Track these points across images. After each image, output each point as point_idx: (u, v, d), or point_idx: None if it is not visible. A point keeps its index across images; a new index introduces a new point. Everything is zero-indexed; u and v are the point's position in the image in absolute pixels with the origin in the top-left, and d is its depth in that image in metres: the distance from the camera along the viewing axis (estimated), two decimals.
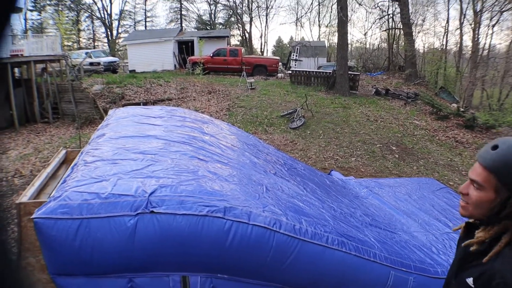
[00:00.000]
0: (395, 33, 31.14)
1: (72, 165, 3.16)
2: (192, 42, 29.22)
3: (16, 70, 18.94)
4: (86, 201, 2.29)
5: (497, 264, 1.48)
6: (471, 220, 1.74)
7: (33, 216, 2.23)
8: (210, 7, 55.80)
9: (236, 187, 2.83)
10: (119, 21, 55.38)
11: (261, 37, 55.39)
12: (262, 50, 53.07)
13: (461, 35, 30.86)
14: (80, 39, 54.01)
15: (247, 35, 51.74)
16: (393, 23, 30.74)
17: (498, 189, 1.50)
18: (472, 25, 28.23)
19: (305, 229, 2.71)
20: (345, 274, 2.89)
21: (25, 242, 2.83)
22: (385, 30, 32.75)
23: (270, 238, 2.48)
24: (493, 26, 29.88)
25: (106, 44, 53.47)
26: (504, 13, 28.13)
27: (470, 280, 1.58)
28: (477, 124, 15.43)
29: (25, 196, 3.10)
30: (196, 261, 2.42)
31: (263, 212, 2.58)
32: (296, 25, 47.08)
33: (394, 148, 11.77)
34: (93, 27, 56.13)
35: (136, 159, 2.93)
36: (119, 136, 3.59)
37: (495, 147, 1.52)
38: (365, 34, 46.30)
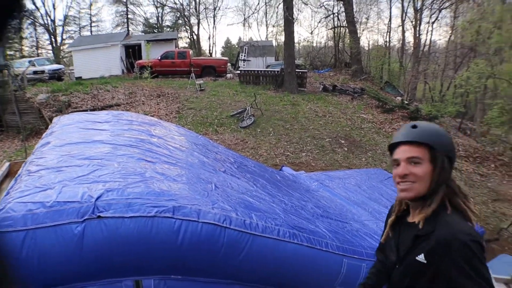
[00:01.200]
0: (340, 31, 31.90)
1: (15, 176, 3.07)
2: (140, 46, 28.74)
3: None
4: (31, 211, 2.21)
5: (445, 230, 1.58)
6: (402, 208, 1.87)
7: None
8: (157, 10, 54.97)
9: (184, 186, 2.82)
10: (63, 27, 53.37)
11: (209, 38, 55.34)
12: (211, 52, 52.90)
13: (403, 32, 31.93)
14: (23, 47, 51.82)
15: (195, 37, 51.43)
16: (338, 21, 31.46)
17: (432, 158, 1.65)
18: (413, 22, 29.22)
19: (256, 223, 2.73)
20: (299, 266, 2.94)
21: None
22: (330, 29, 33.53)
23: (220, 234, 2.48)
24: (433, 23, 31.14)
25: (51, 52, 51.49)
26: (442, 10, 29.37)
27: (421, 257, 1.65)
28: (421, 115, 16.03)
29: None
30: (148, 263, 2.37)
31: (212, 209, 2.58)
32: (244, 25, 47.17)
33: (343, 141, 12.02)
34: (36, 34, 53.76)
35: (82, 165, 2.87)
36: (64, 143, 3.50)
37: (414, 126, 1.70)
38: (311, 33, 47.16)
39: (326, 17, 32.00)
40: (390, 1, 34.71)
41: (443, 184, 1.67)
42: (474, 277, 1.51)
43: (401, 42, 32.70)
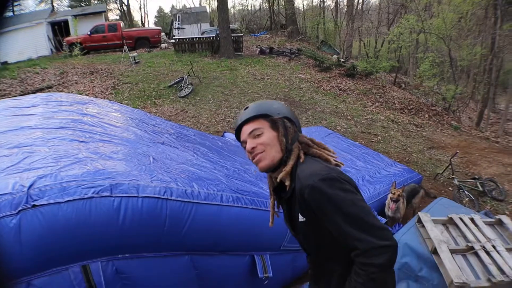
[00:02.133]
0: None
1: None
2: (67, 22, 27.32)
3: None
4: None
5: (298, 181, 1.63)
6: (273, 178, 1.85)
7: None
8: None
9: (121, 163, 2.76)
10: None
11: (140, 8, 53.47)
12: (143, 22, 51.14)
13: None
14: None
15: (125, 8, 49.52)
16: None
17: (272, 124, 1.74)
18: None
19: (198, 191, 2.73)
20: (245, 228, 2.98)
21: None
22: None
23: (162, 207, 2.46)
24: None
25: None
26: None
27: (300, 218, 1.67)
28: (357, 72, 16.39)
29: None
30: (92, 246, 2.31)
31: (151, 182, 2.55)
32: None
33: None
34: None
35: (10, 154, 2.73)
36: None
37: (246, 108, 1.80)
38: None
39: None
40: None
41: (294, 142, 1.74)
42: (336, 212, 1.50)
43: (335, 1, 32.97)
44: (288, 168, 1.67)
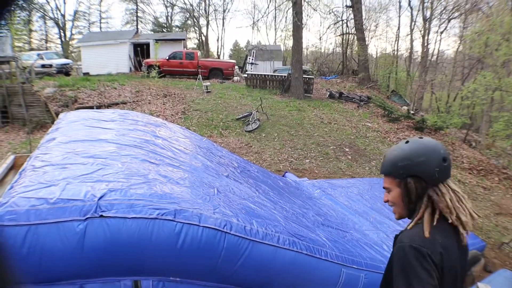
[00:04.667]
0: (348, 38, 31.95)
1: (20, 170, 3.08)
2: (148, 44, 28.86)
3: None
4: (34, 207, 2.22)
5: (400, 235, 1.82)
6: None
7: None
8: (167, 10, 55.23)
9: (187, 190, 2.83)
10: (73, 22, 53.63)
11: (217, 40, 55.32)
12: (219, 54, 52.91)
13: (412, 41, 31.86)
14: (32, 40, 51.85)
15: (203, 38, 51.50)
16: (347, 28, 31.52)
17: (399, 184, 1.86)
18: (422, 32, 29.19)
19: (256, 229, 2.74)
20: (297, 273, 2.95)
21: None
22: (339, 35, 33.50)
23: (221, 239, 2.49)
24: (441, 33, 31.19)
25: (59, 46, 51.69)
26: (451, 20, 29.39)
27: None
28: (426, 126, 16.00)
29: None
30: (148, 264, 2.38)
31: (213, 213, 2.59)
32: (253, 28, 47.34)
33: (347, 149, 12.01)
34: (45, 27, 53.85)
35: (86, 163, 2.88)
36: (69, 140, 3.52)
37: (385, 156, 1.96)
38: (320, 39, 47.10)
39: (335, 24, 32.11)
40: (400, 10, 34.81)
41: (418, 201, 1.83)
42: (399, 277, 1.66)
43: (409, 51, 32.65)
44: (412, 224, 1.82)
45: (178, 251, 2.38)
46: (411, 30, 31.22)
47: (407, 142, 1.90)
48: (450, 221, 1.74)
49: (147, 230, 2.30)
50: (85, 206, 2.27)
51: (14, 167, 4.30)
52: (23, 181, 2.62)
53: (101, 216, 2.26)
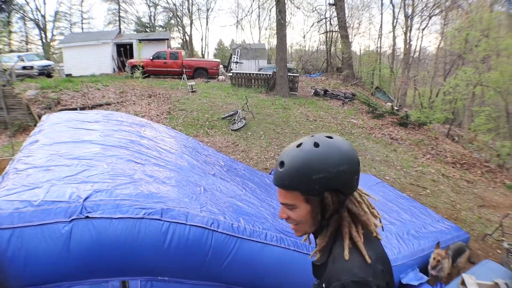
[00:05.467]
0: (332, 36, 32.05)
1: (2, 174, 3.05)
2: (131, 45, 28.63)
3: None
4: (18, 210, 2.20)
5: (331, 266, 1.44)
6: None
7: None
8: (150, 9, 54.81)
9: (173, 189, 2.82)
10: (53, 23, 52.91)
11: (202, 39, 55.24)
12: (203, 53, 52.74)
13: (394, 38, 31.97)
14: (11, 41, 51.24)
15: (187, 37, 51.30)
16: (331, 26, 31.63)
17: (307, 199, 1.46)
18: (404, 29, 29.38)
19: (244, 227, 2.75)
20: (285, 269, 2.95)
21: None
22: (322, 33, 33.59)
23: (208, 237, 2.49)
24: (423, 29, 31.45)
25: (40, 47, 51.10)
26: (432, 17, 29.67)
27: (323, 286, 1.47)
28: (410, 122, 16.13)
29: None
30: (135, 265, 2.38)
31: (200, 212, 2.59)
32: (237, 27, 47.35)
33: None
34: (25, 29, 53.12)
35: (71, 164, 2.86)
36: (53, 142, 3.48)
37: (281, 164, 1.47)
38: (303, 37, 47.25)
39: (318, 22, 32.19)
40: (382, 7, 34.85)
41: (333, 216, 1.48)
42: None
43: (392, 48, 32.83)
44: (321, 246, 1.51)
45: (166, 251, 2.37)
46: (393, 27, 31.38)
47: (316, 144, 1.43)
48: (374, 234, 1.49)
49: (133, 230, 2.29)
50: (70, 208, 2.25)
51: None
52: (5, 184, 2.59)
53: (87, 217, 2.24)
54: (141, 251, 2.33)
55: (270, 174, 6.92)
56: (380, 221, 1.57)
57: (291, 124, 13.78)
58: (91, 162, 2.94)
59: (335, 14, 26.97)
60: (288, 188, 1.45)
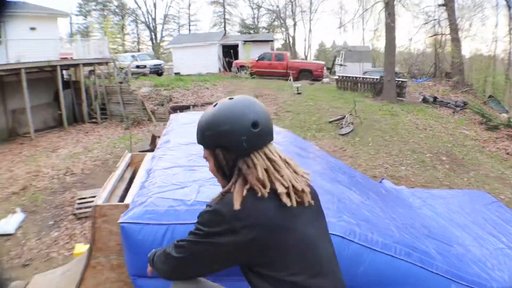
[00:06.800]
0: (441, 38, 30.48)
1: (146, 170, 3.27)
2: (237, 45, 29.55)
3: (64, 72, 19.63)
4: (172, 208, 2.38)
5: None
6: None
7: (119, 221, 2.32)
8: (253, 11, 56.30)
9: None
10: (163, 25, 56.78)
11: (304, 40, 55.38)
12: (306, 54, 52.93)
13: (511, 41, 29.67)
14: (125, 42, 55.42)
15: (290, 39, 51.78)
16: (440, 28, 30.09)
17: (210, 154, 1.65)
18: None
19: (376, 239, 2.73)
20: (408, 285, 2.89)
21: (97, 243, 2.89)
22: (431, 36, 32.02)
23: (345, 247, 2.51)
24: None
25: (150, 47, 54.74)
26: None
27: None
28: None
29: (100, 199, 3.19)
30: None
31: (339, 221, 2.60)
32: (339, 29, 46.73)
33: (444, 158, 11.50)
34: (137, 31, 57.71)
35: None
36: (189, 142, 3.67)
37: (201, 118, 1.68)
38: (410, 40, 45.39)
39: (426, 23, 30.77)
40: (497, 7, 32.30)
41: (232, 171, 1.61)
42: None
43: (508, 52, 30.52)
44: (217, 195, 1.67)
45: None
46: (510, 29, 29.07)
47: (215, 105, 1.63)
48: (259, 194, 1.51)
49: None
50: None
51: (130, 164, 4.57)
52: (155, 181, 2.77)
53: None
54: None
55: (380, 182, 6.76)
56: (294, 186, 1.61)
57: (400, 132, 13.38)
58: None
59: (444, 15, 25.68)
60: (197, 142, 1.69)
